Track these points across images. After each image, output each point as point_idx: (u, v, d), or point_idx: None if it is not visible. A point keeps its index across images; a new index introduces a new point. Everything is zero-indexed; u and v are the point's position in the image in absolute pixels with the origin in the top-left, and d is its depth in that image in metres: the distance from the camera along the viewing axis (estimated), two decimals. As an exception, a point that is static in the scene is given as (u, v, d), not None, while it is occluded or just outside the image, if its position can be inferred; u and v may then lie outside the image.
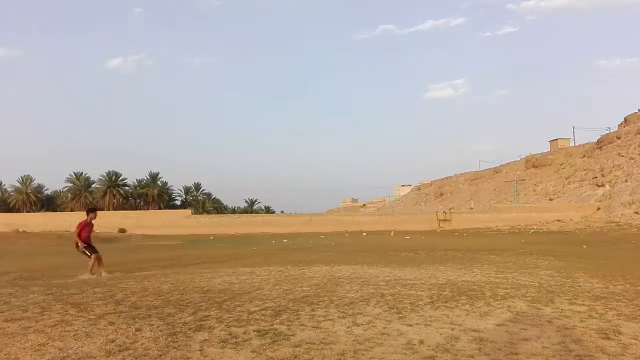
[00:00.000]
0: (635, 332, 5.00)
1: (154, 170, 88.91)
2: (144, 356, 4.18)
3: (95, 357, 4.16)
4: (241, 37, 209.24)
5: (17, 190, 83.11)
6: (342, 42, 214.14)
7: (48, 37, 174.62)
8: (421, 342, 4.61)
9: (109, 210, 73.65)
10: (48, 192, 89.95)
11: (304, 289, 8.08)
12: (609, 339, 4.72)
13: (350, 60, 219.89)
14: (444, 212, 56.50)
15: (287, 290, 7.96)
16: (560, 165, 72.89)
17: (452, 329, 5.12)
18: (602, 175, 57.91)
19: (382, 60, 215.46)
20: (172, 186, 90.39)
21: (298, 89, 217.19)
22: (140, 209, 79.38)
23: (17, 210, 77.05)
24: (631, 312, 6.00)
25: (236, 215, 64.62)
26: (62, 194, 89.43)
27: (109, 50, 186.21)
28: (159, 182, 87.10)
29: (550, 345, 4.49)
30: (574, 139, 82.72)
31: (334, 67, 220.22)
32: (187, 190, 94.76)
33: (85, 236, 10.71)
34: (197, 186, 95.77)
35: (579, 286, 8.35)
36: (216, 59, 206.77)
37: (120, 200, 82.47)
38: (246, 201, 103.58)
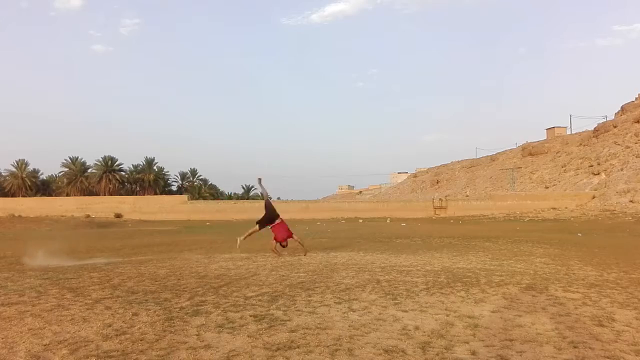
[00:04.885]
0: (629, 319, 5.05)
1: (150, 156, 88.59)
2: (140, 340, 4.20)
3: (92, 342, 4.17)
4: (237, 26, 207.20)
5: (12, 174, 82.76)
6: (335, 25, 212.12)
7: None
8: (416, 327, 4.64)
9: (104, 195, 73.56)
10: (43, 176, 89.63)
11: (300, 275, 8.12)
12: (602, 326, 4.76)
13: (346, 48, 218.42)
14: (440, 199, 56.70)
15: (283, 276, 7.99)
16: (557, 153, 73.05)
17: (447, 315, 5.16)
18: (598, 164, 58.09)
19: (377, 44, 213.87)
20: (168, 172, 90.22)
21: (292, 76, 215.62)
22: (136, 194, 79.27)
23: (12, 194, 76.77)
24: (625, 300, 6.06)
25: (232, 202, 64.53)
26: (57, 179, 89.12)
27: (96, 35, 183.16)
28: (155, 168, 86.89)
29: (545, 331, 4.53)
30: (570, 127, 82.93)
31: (329, 53, 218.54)
32: (183, 176, 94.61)
33: None
34: (194, 172, 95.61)
35: (574, 274, 8.41)
36: (210, 47, 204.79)
37: (117, 185, 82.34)
38: (243, 187, 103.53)
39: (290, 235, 11.57)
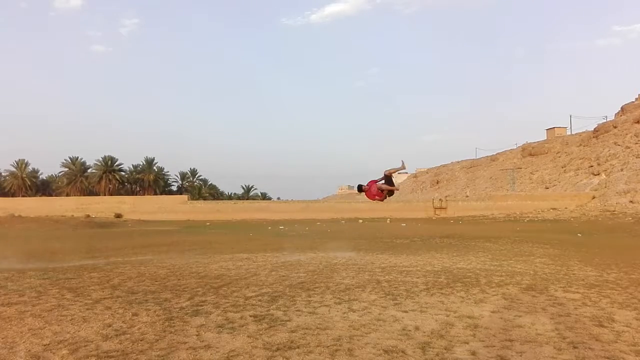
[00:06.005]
0: (629, 319, 5.05)
1: (150, 156, 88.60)
2: (140, 341, 4.20)
3: (92, 342, 4.17)
4: (237, 26, 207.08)
5: (12, 174, 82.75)
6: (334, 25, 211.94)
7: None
8: (416, 328, 4.64)
9: (104, 195, 73.59)
10: (43, 176, 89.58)
11: (300, 275, 8.12)
12: (602, 326, 4.76)
13: (346, 48, 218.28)
14: (440, 199, 56.74)
15: (283, 276, 8.00)
16: (557, 153, 73.04)
17: (447, 316, 5.16)
18: (598, 164, 58.09)
19: (377, 44, 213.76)
20: (168, 172, 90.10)
21: (292, 76, 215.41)
22: (136, 195, 79.29)
23: (12, 194, 76.76)
24: (624, 300, 6.06)
25: (232, 202, 64.50)
26: (57, 179, 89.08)
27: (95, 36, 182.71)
28: (154, 168, 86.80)
29: (545, 332, 4.53)
30: (570, 128, 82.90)
31: (329, 53, 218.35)
32: (183, 176, 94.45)
33: None
34: (193, 172, 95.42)
35: (573, 274, 8.41)
36: (210, 47, 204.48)
37: (116, 185, 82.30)
38: (243, 187, 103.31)
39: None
